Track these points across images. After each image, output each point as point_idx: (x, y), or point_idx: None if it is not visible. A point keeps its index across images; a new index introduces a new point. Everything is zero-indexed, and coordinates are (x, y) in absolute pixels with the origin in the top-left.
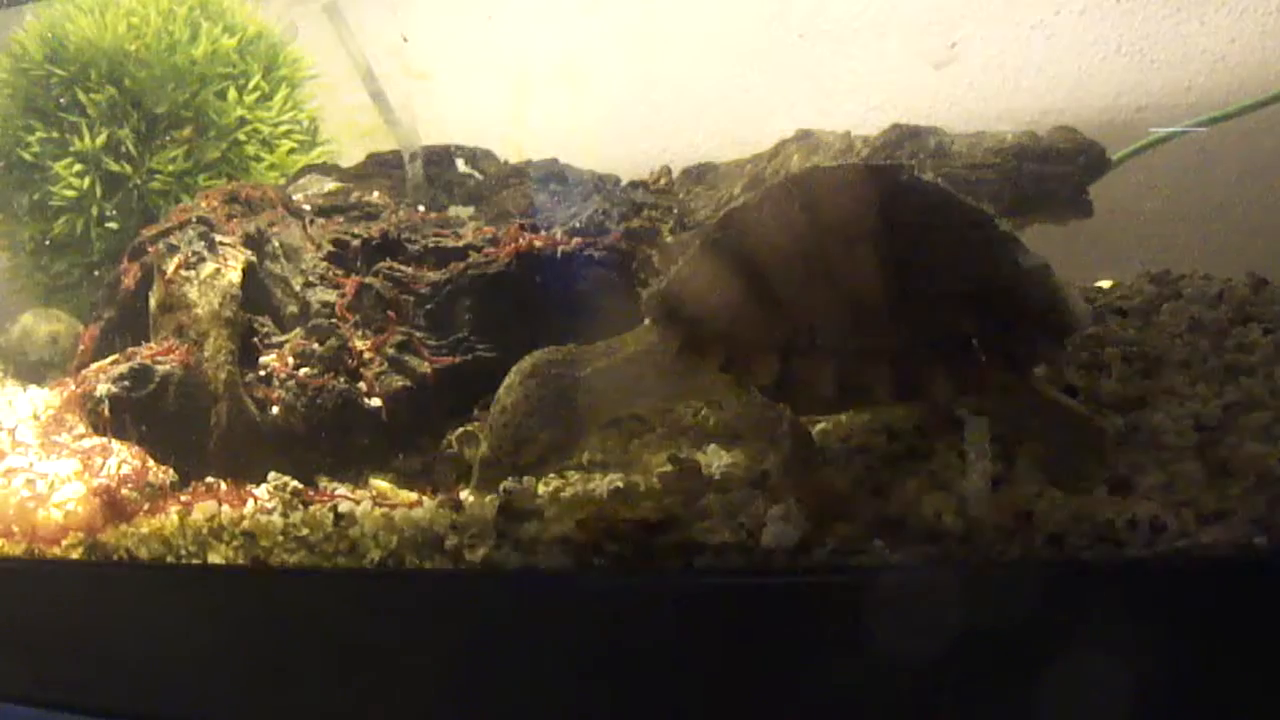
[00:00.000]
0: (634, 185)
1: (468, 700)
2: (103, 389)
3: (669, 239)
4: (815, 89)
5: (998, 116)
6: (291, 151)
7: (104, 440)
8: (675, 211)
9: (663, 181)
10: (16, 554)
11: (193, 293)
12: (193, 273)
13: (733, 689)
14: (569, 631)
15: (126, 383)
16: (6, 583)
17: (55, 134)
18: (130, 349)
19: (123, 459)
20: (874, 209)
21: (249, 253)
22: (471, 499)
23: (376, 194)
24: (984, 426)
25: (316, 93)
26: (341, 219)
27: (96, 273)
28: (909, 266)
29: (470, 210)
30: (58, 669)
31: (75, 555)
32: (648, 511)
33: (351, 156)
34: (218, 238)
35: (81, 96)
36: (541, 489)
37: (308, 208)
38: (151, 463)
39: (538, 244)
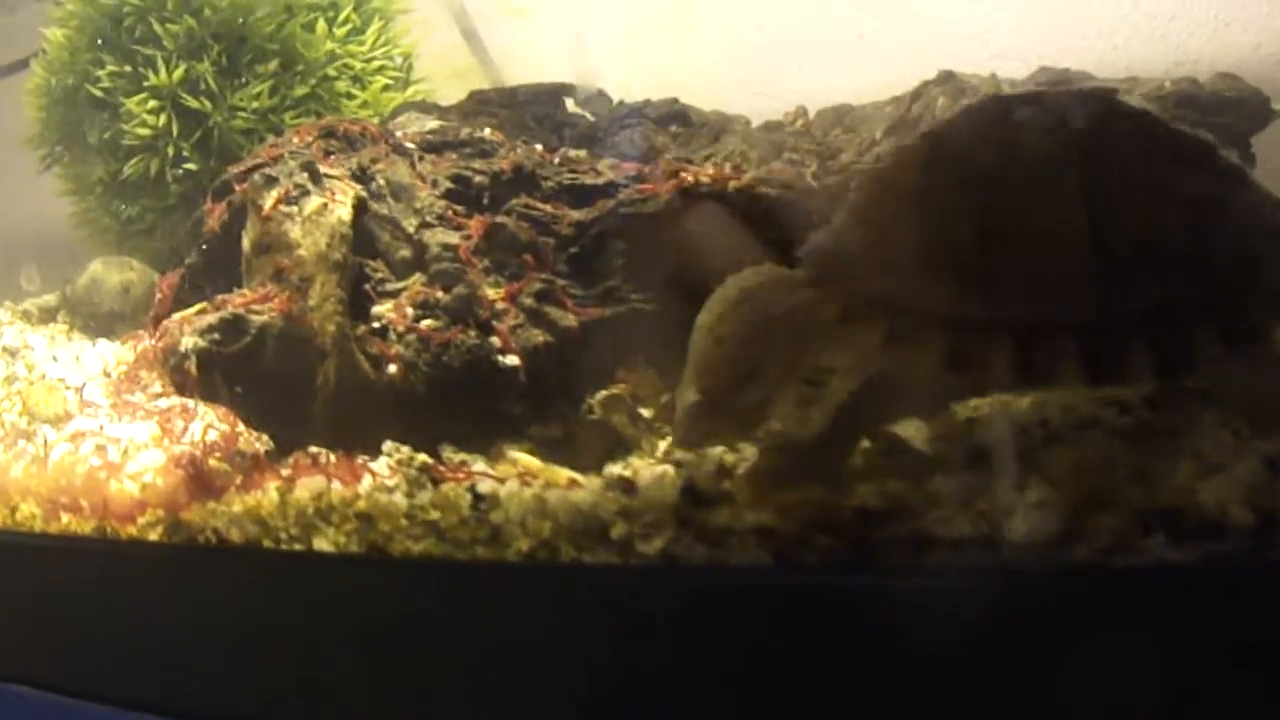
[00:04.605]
0: (769, 127)
1: None
2: (188, 342)
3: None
4: (933, 34)
5: (1127, 66)
6: (385, 89)
7: (183, 400)
8: (817, 154)
9: (799, 123)
10: (85, 532)
11: (295, 231)
12: (294, 208)
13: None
14: (765, 641)
15: (216, 335)
16: (74, 565)
17: (128, 68)
18: (220, 297)
19: (208, 423)
20: (1071, 146)
21: (359, 187)
22: (657, 469)
23: (488, 130)
24: None
25: (411, 28)
26: (454, 155)
27: (173, 217)
28: (1110, 219)
29: (584, 153)
30: (129, 662)
31: (153, 536)
32: (867, 496)
33: (446, 96)
34: (323, 169)
35: (157, 28)
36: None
37: (410, 145)
38: (242, 428)
39: (704, 179)
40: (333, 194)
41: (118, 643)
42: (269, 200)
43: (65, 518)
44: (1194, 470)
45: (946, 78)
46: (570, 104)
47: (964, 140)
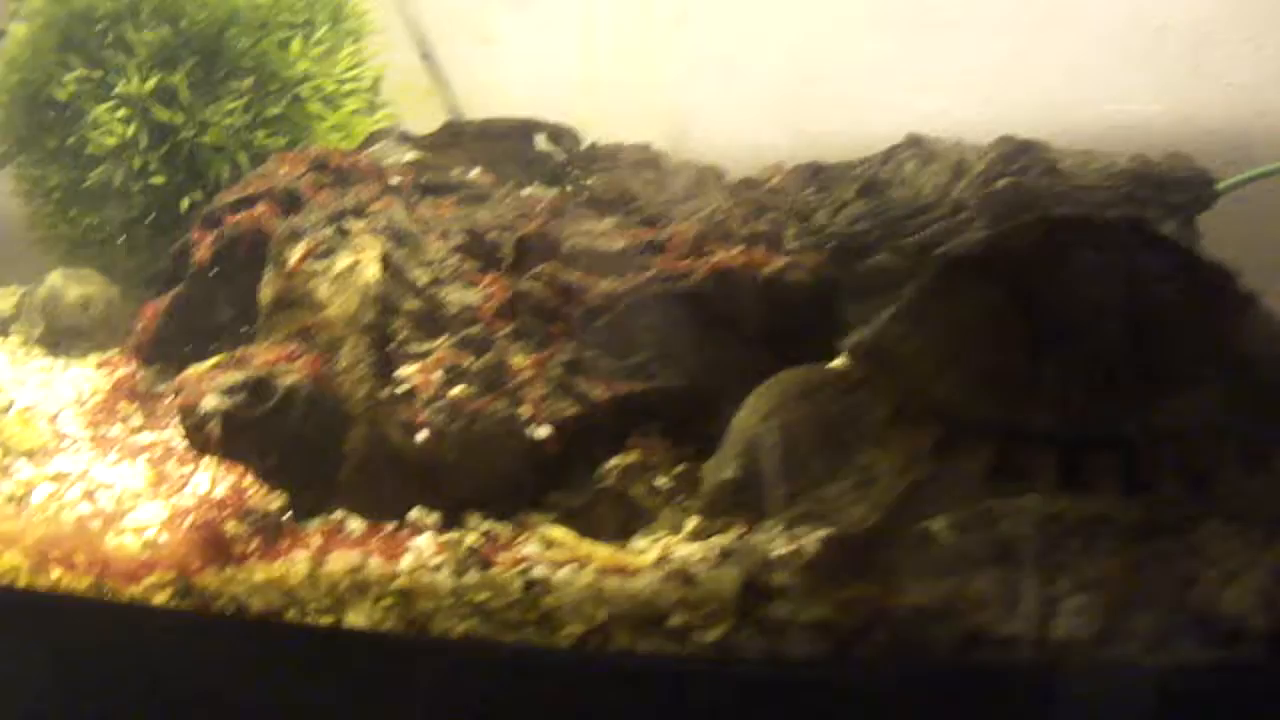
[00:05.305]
0: (747, 184)
1: None
2: (211, 402)
3: (794, 244)
4: (898, 82)
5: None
6: (355, 112)
7: (164, 439)
8: (796, 215)
9: (775, 180)
10: (80, 590)
11: (322, 290)
12: (321, 265)
13: None
14: None
15: (241, 396)
16: (69, 628)
17: (96, 73)
18: (240, 351)
19: (214, 476)
20: (1121, 272)
21: (384, 241)
22: (697, 554)
23: (476, 170)
24: None
25: (380, 50)
26: (452, 199)
27: (136, 230)
28: (1145, 342)
29: (552, 192)
30: None
31: (159, 599)
32: (920, 596)
33: (410, 119)
34: (346, 224)
35: (131, 34)
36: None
37: (395, 181)
38: (249, 483)
39: (739, 263)
40: (361, 251)
41: (115, 711)
42: (294, 255)
43: (55, 571)
44: (1215, 577)
45: (914, 142)
46: (541, 140)
47: (1019, 256)
